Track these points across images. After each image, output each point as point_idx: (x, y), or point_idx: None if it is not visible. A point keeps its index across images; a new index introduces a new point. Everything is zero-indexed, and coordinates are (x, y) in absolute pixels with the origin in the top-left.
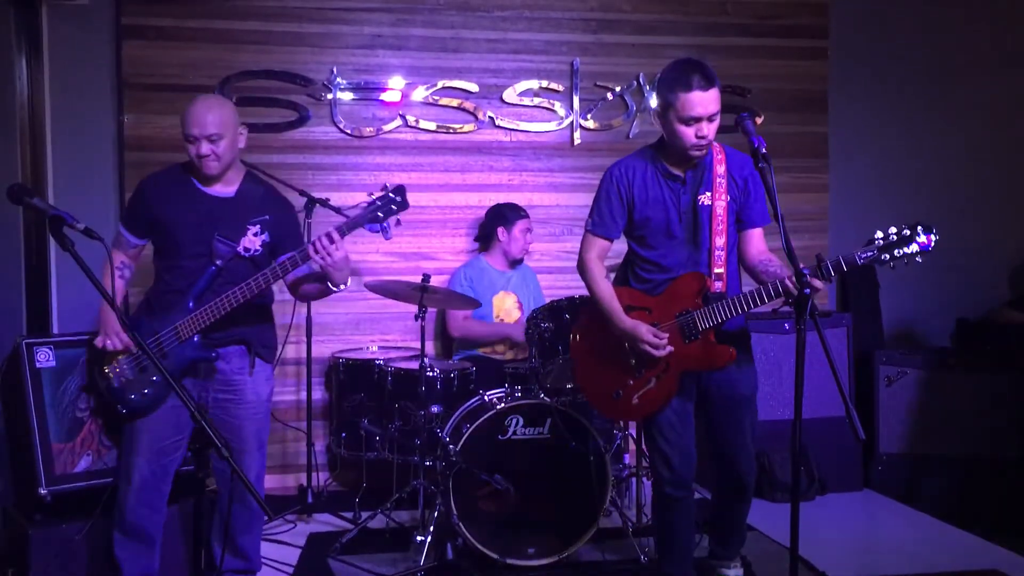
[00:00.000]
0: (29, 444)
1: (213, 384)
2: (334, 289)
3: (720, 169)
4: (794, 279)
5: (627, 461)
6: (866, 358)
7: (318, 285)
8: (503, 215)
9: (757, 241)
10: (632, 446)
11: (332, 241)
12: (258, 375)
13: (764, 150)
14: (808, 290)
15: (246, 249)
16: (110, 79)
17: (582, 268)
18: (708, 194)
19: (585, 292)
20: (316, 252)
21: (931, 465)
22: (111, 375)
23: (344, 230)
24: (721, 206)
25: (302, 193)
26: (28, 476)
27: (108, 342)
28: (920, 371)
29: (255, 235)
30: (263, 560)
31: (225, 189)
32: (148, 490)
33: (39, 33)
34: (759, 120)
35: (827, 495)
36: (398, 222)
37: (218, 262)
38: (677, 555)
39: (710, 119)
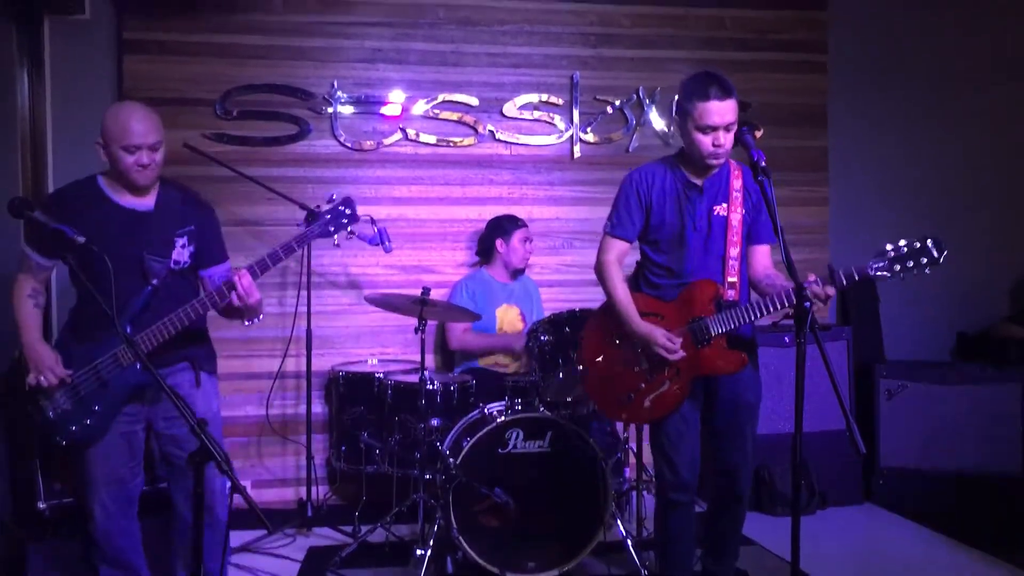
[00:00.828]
0: (29, 458)
1: (163, 402)
2: (246, 323)
3: (737, 184)
4: (809, 286)
5: (627, 475)
6: (866, 372)
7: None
8: (501, 227)
9: (763, 257)
10: (632, 459)
11: (245, 287)
12: (205, 387)
13: (764, 163)
14: (809, 303)
15: (176, 262)
16: (111, 93)
17: (600, 270)
18: (724, 205)
19: (585, 305)
20: (232, 293)
21: (932, 479)
22: (45, 406)
23: (278, 256)
24: (736, 218)
25: (302, 206)
26: (27, 490)
27: (42, 379)
28: (920, 385)
29: (183, 247)
30: (263, 575)
31: (144, 201)
32: (116, 521)
33: (41, 47)
34: (758, 134)
35: (828, 509)
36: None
37: (154, 281)
38: (678, 563)
39: (727, 128)
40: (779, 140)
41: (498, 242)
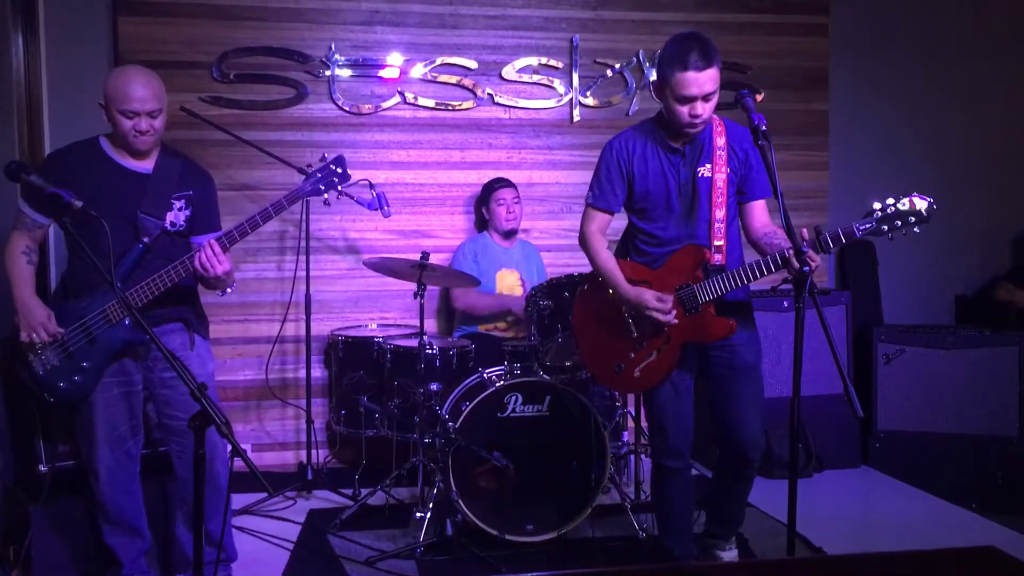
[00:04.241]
0: (29, 421)
1: (158, 364)
2: (219, 293)
3: (720, 141)
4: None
5: (625, 438)
6: (865, 335)
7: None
8: (483, 194)
9: (760, 213)
10: (631, 423)
11: (214, 254)
12: (199, 350)
13: (764, 127)
14: (808, 268)
15: (172, 224)
16: (106, 55)
17: (583, 241)
18: (708, 166)
19: (584, 269)
20: (200, 265)
21: (929, 442)
22: (34, 362)
23: (268, 214)
24: (721, 178)
25: (300, 170)
26: (28, 453)
27: (35, 335)
28: (918, 349)
29: (180, 209)
30: (264, 536)
31: (144, 163)
32: (119, 480)
33: (35, 9)
34: (759, 97)
35: (825, 472)
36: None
37: (145, 239)
38: (675, 528)
39: (705, 98)
40: (780, 103)
41: (484, 210)
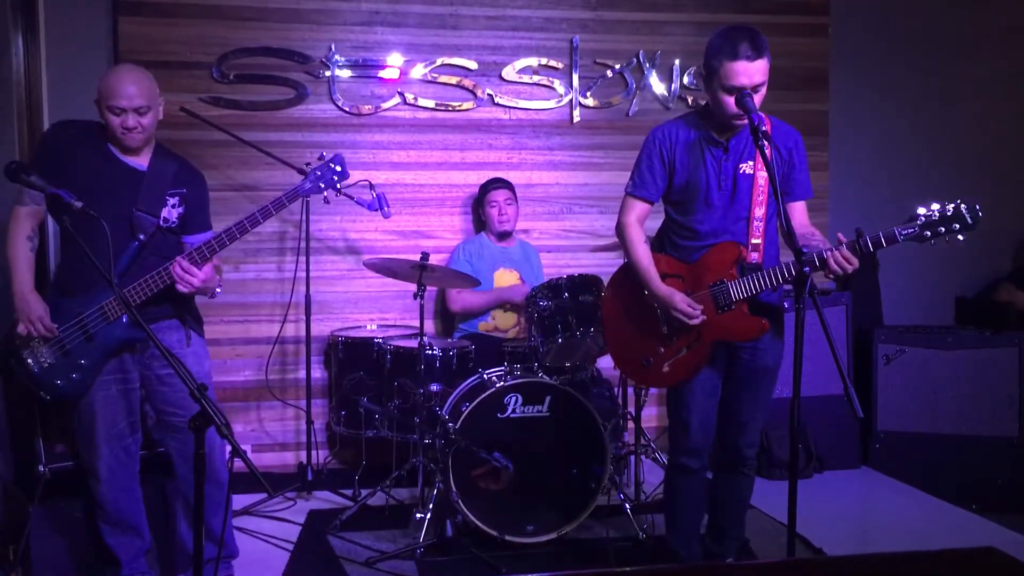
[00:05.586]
0: (29, 421)
1: (154, 361)
2: (208, 297)
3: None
4: (833, 252)
5: (626, 439)
6: (865, 336)
7: None
8: (478, 195)
9: (799, 214)
10: (631, 424)
11: (187, 271)
12: (195, 347)
13: (764, 128)
14: (807, 268)
15: (165, 220)
16: (106, 55)
17: (620, 231)
18: (750, 163)
19: (584, 270)
20: (178, 278)
21: (929, 443)
22: (29, 360)
23: (268, 212)
24: (763, 176)
25: (300, 171)
26: (28, 453)
27: (32, 329)
28: (918, 350)
29: (173, 206)
30: (264, 537)
31: (140, 161)
32: (118, 478)
33: (35, 9)
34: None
35: (825, 472)
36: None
37: (141, 236)
38: (683, 530)
39: (754, 90)
40: (780, 104)
41: (481, 212)
